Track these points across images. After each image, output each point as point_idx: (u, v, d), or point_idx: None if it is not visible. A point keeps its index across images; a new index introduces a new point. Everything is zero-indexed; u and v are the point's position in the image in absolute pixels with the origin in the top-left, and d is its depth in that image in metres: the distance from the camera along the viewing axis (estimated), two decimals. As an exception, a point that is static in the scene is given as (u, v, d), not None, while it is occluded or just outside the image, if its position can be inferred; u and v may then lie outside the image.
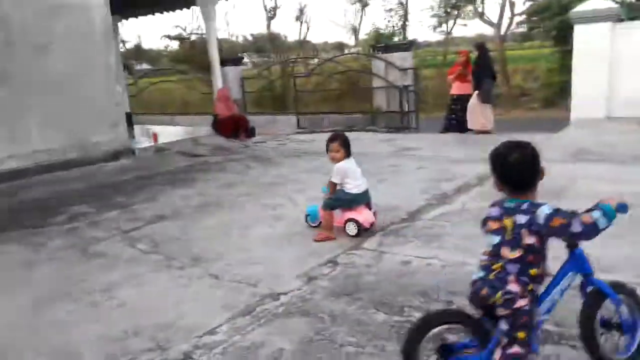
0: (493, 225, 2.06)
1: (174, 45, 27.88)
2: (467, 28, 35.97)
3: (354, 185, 4.15)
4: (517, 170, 2.02)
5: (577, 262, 2.09)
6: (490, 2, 26.26)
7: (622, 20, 9.17)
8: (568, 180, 5.14)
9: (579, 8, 9.16)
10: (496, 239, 2.02)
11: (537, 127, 10.60)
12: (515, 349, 1.91)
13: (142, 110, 16.73)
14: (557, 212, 1.90)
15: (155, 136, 10.35)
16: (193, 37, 26.04)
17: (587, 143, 7.20)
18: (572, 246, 2.09)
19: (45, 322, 3.12)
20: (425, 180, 5.88)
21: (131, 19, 14.38)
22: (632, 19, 9.64)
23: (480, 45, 10.31)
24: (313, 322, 2.83)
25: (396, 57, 11.76)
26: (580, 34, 9.07)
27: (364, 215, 4.17)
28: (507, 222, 1.99)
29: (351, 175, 4.14)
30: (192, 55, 22.39)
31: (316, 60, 14.27)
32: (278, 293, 3.25)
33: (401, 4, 22.64)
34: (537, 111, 16.04)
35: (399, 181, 6.03)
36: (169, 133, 11.38)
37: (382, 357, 2.44)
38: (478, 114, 9.60)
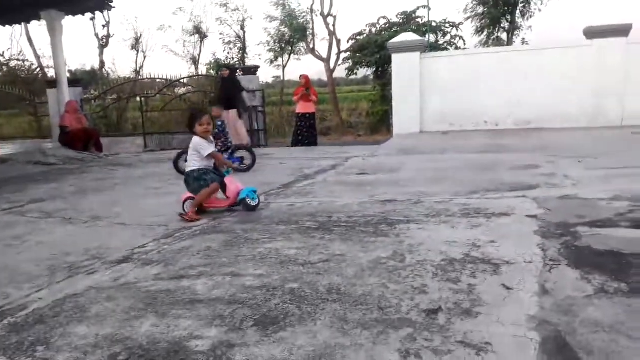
0: None
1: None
2: (301, 62, 38.88)
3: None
4: None
5: None
6: (320, 38, 29.50)
7: (426, 50, 11.52)
8: (400, 164, 6.61)
9: (395, 40, 11.29)
10: None
11: (366, 144, 12.43)
12: None
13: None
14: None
15: (-6, 148, 9.66)
16: (13, 63, 23.97)
17: (408, 146, 8.95)
18: None
19: (-37, 259, 3.22)
20: (289, 169, 6.85)
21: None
22: (433, 49, 12.11)
23: (228, 67, 12.09)
24: (229, 234, 3.49)
25: (244, 80, 12.75)
26: (396, 62, 11.13)
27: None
28: None
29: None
30: (13, 82, 20.67)
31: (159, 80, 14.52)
32: (190, 227, 3.81)
33: (239, 37, 24.01)
34: (363, 137, 18.40)
35: (267, 172, 6.89)
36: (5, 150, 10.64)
37: (290, 242, 3.21)
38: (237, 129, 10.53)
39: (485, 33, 22.52)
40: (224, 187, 4.23)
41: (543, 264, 2.50)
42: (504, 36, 22.64)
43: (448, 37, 19.83)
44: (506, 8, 21.47)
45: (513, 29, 22.14)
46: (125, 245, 3.35)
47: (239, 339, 1.90)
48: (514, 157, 6.50)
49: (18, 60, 24.13)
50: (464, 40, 19.90)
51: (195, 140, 4.15)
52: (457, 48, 19.05)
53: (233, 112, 10.52)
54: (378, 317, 2.02)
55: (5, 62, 24.18)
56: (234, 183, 4.23)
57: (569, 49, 10.16)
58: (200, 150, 4.13)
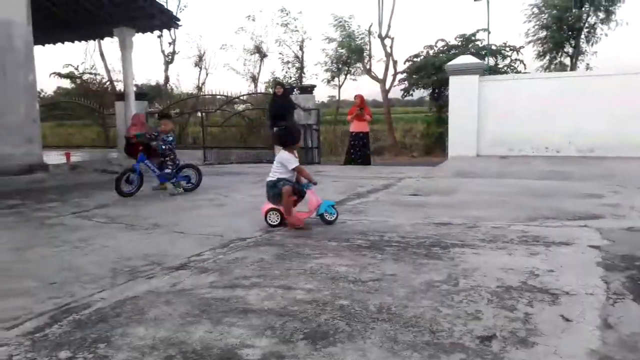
0: None
1: (65, 83, 26.92)
2: (357, 82, 39.21)
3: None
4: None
5: None
6: (377, 60, 30.06)
7: (485, 73, 11.34)
8: (455, 187, 6.50)
9: (453, 62, 11.19)
10: None
11: (420, 165, 12.29)
12: None
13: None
14: None
15: (68, 155, 10.28)
16: (86, 77, 25.54)
17: (464, 168, 8.78)
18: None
19: (37, 258, 3.44)
20: (342, 187, 6.88)
21: (48, 46, 14.10)
22: (492, 73, 11.91)
23: (282, 85, 12.20)
24: (281, 247, 3.55)
25: (301, 99, 12.99)
26: (454, 84, 11.02)
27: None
28: None
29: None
30: (85, 95, 21.99)
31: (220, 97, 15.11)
32: (245, 238, 3.91)
33: (297, 57, 24.53)
34: (417, 158, 18.22)
35: (320, 188, 6.91)
36: (75, 157, 11.30)
37: (340, 258, 3.22)
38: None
39: (547, 57, 21.98)
40: (299, 197, 4.42)
41: (606, 296, 2.39)
42: (567, 61, 21.98)
43: (508, 61, 19.47)
44: (570, 32, 20.87)
45: (577, 54, 21.45)
46: (182, 252, 3.47)
47: (288, 351, 1.93)
48: (576, 185, 6.26)
49: (90, 74, 25.72)
50: (524, 64, 19.49)
51: (284, 154, 4.38)
52: (517, 72, 18.65)
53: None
54: (429, 340, 1.99)
55: (79, 75, 25.82)
56: (315, 196, 4.38)
57: (635, 75, 9.72)
58: (286, 164, 4.34)
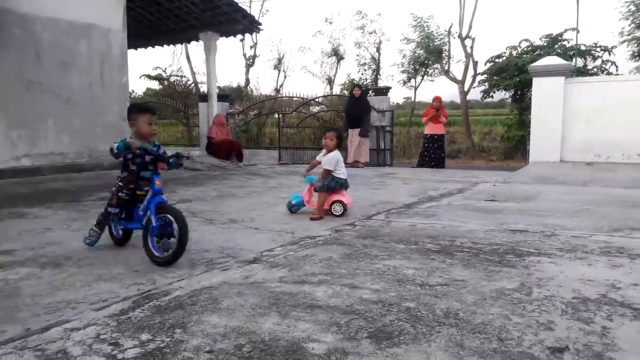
0: None
1: (153, 85, 28.66)
2: (434, 83, 38.49)
3: (342, 172, 4.97)
4: None
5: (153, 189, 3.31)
6: (456, 60, 29.61)
7: (572, 75, 10.73)
8: (535, 193, 6.24)
9: (537, 63, 10.69)
10: None
11: (499, 170, 11.86)
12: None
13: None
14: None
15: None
16: (173, 78, 27.03)
17: (546, 174, 8.38)
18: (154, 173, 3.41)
19: (123, 247, 3.72)
20: (413, 190, 6.82)
21: (140, 50, 15.14)
22: (580, 74, 11.25)
23: (360, 87, 12.21)
24: (349, 247, 3.59)
25: (375, 100, 12.98)
26: (538, 86, 10.52)
27: (347, 198, 4.98)
28: None
29: (341, 164, 4.97)
30: (171, 95, 23.30)
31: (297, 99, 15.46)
32: (314, 236, 3.99)
33: (374, 59, 24.47)
34: (496, 162, 17.56)
35: (390, 190, 6.93)
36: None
37: (409, 261, 3.21)
38: (356, 148, 11.29)
39: (642, 59, 20.32)
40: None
41: (698, 316, 2.21)
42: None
43: (598, 62, 18.26)
44: (670, 31, 19.20)
45: (678, 54, 19.68)
46: (256, 247, 3.61)
47: (353, 348, 1.96)
48: (672, 195, 5.78)
49: (177, 76, 27.22)
50: (616, 66, 18.18)
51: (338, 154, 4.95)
52: (608, 74, 17.45)
53: (355, 131, 10.92)
54: (497, 348, 1.95)
55: (166, 78, 27.38)
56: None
57: None
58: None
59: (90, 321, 2.24)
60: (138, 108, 3.63)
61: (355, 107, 11.34)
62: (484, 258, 3.25)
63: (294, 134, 16.23)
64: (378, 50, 24.65)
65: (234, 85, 30.66)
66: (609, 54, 18.51)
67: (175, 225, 3.16)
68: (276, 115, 16.35)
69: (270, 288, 2.70)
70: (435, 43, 22.23)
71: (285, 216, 4.92)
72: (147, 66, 62.53)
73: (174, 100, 20.88)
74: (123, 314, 2.33)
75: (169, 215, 3.21)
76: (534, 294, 2.55)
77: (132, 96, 25.87)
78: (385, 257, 3.29)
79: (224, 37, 13.06)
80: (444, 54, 22.51)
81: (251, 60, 26.80)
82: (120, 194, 3.50)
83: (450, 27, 22.20)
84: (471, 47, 21.08)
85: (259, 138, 17.61)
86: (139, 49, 14.75)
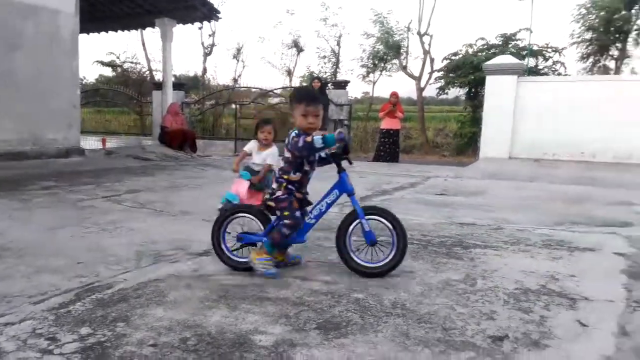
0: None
1: (106, 71, 27.72)
2: (392, 79, 38.87)
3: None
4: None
5: (340, 183, 2.82)
6: (414, 57, 29.99)
7: (525, 74, 11.10)
8: (484, 188, 6.42)
9: (491, 61, 11.00)
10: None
11: (451, 165, 12.14)
12: (283, 227, 2.71)
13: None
14: (297, 134, 2.68)
15: (104, 141, 10.61)
16: (127, 65, 26.21)
17: (495, 170, 8.65)
18: (340, 171, 2.81)
19: (67, 238, 3.58)
20: (368, 183, 6.88)
21: (92, 34, 14.54)
22: (532, 74, 11.65)
23: (320, 79, 12.28)
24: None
25: (334, 94, 13.02)
26: (491, 84, 10.82)
27: None
28: None
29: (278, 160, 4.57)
30: (124, 83, 22.59)
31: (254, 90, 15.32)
32: (267, 228, 3.96)
33: (334, 52, 24.53)
34: (448, 158, 17.98)
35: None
36: (111, 143, 11.64)
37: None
38: None
39: (590, 60, 21.24)
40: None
41: (626, 304, 2.34)
42: (611, 64, 21.22)
43: (550, 62, 18.95)
44: (617, 35, 20.12)
45: (622, 57, 20.67)
46: (207, 239, 3.53)
47: (301, 339, 1.96)
48: (609, 192, 6.08)
49: (131, 62, 26.40)
50: (565, 67, 18.92)
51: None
52: (558, 74, 18.15)
53: None
54: (441, 337, 2.00)
55: (120, 64, 26.53)
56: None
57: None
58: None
59: (26, 315, 2.14)
60: (297, 94, 2.96)
61: None
62: (432, 250, 3.32)
63: (252, 125, 16.06)
64: (338, 43, 24.74)
65: (191, 74, 30.04)
66: (559, 55, 19.25)
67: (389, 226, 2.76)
68: (233, 106, 16.12)
69: (220, 281, 2.66)
70: (395, 39, 22.47)
71: (239, 208, 4.85)
72: (100, 52, 60.24)
73: (127, 88, 20.25)
74: (62, 308, 2.24)
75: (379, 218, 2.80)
76: (478, 285, 2.62)
77: (83, 82, 24.95)
78: (337, 250, 3.30)
79: (181, 24, 12.74)
80: (402, 50, 22.80)
81: (209, 49, 26.31)
82: (291, 198, 2.80)
83: (410, 23, 22.59)
84: (429, 44, 21.44)
85: (215, 129, 17.34)
86: (91, 34, 14.19)
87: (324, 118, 11.22)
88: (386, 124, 11.54)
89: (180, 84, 15.99)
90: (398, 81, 73.53)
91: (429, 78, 21.66)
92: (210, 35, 25.85)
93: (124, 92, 19.55)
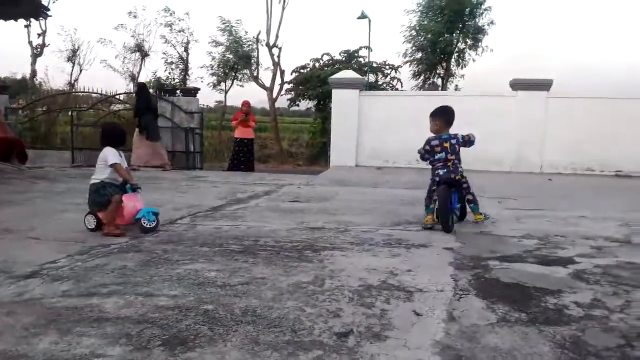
0: (437, 148, 4.37)
1: None
2: (244, 89, 38.74)
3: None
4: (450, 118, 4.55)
5: None
6: (265, 68, 30.40)
7: (365, 89, 11.92)
8: (333, 194, 6.73)
9: (336, 76, 11.65)
10: (443, 154, 4.33)
11: (304, 174, 12.54)
12: (469, 196, 4.62)
13: None
14: (463, 135, 4.43)
15: None
16: None
17: (343, 177, 9.13)
18: None
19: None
20: (221, 193, 6.77)
21: None
22: (372, 88, 12.56)
23: (140, 85, 12.21)
24: (148, 254, 3.37)
25: (183, 101, 12.60)
26: (337, 97, 11.44)
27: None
28: (447, 144, 4.34)
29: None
30: None
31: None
32: (108, 244, 3.66)
33: (182, 58, 23.80)
34: (302, 167, 18.58)
35: (198, 194, 6.77)
36: None
37: (211, 264, 3.15)
38: (143, 150, 10.62)
39: (421, 77, 23.61)
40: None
41: (453, 293, 2.61)
42: (439, 82, 23.84)
43: (388, 79, 20.66)
44: (442, 56, 22.67)
45: (448, 75, 23.36)
46: (35, 259, 3.16)
47: (142, 358, 1.84)
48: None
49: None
50: (401, 83, 20.80)
51: (106, 150, 4.03)
52: (395, 89, 19.86)
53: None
54: (290, 339, 2.02)
55: None
56: (133, 201, 4.01)
57: (494, 97, 10.87)
58: (106, 158, 3.99)
59: None
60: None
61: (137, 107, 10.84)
62: (284, 255, 3.37)
63: (91, 134, 14.76)
64: (186, 50, 24.07)
65: (18, 76, 26.79)
66: (396, 72, 21.08)
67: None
68: (70, 113, 14.67)
69: (50, 304, 2.39)
70: (244, 48, 22.57)
71: (77, 224, 4.40)
72: None
73: None
74: None
75: None
76: (326, 285, 2.72)
77: None
78: (187, 262, 3.18)
79: (2, 21, 11.25)
80: (252, 60, 22.98)
81: (39, 49, 23.73)
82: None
83: (258, 34, 22.76)
84: (278, 56, 21.94)
85: (49, 137, 15.60)
86: None
87: (154, 128, 10.71)
88: (239, 133, 11.52)
89: (3, 87, 14.15)
90: (250, 91, 74.02)
91: (280, 89, 22.18)
92: (39, 35, 23.37)
93: None
